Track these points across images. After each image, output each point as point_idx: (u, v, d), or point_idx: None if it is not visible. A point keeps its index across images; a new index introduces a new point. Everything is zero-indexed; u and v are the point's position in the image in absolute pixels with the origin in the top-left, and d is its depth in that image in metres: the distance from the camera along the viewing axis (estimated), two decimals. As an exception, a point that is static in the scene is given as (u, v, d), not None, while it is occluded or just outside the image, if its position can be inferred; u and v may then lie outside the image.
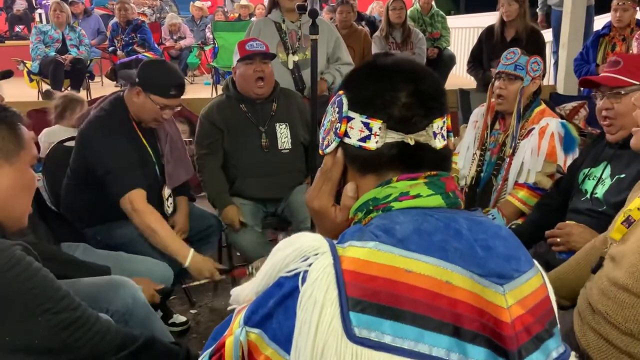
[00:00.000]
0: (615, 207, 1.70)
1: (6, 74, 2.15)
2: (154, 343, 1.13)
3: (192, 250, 2.07)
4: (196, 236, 2.41)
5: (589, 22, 4.76)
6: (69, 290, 1.01)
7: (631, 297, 1.15)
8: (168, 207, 2.29)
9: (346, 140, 0.81)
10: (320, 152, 0.87)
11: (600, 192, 1.78)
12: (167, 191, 2.28)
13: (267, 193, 2.61)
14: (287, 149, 2.61)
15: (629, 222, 1.23)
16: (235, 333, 0.74)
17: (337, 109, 0.83)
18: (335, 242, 0.73)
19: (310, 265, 0.69)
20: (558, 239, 1.75)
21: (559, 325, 0.79)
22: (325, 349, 0.66)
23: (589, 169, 1.87)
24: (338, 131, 0.81)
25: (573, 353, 0.79)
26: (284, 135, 2.60)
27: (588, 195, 1.82)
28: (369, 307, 0.67)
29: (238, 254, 2.70)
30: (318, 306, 0.67)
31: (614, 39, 4.08)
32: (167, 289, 1.88)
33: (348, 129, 0.80)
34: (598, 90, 1.79)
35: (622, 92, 1.72)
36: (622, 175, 1.73)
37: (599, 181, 1.80)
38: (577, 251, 1.68)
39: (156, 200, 2.23)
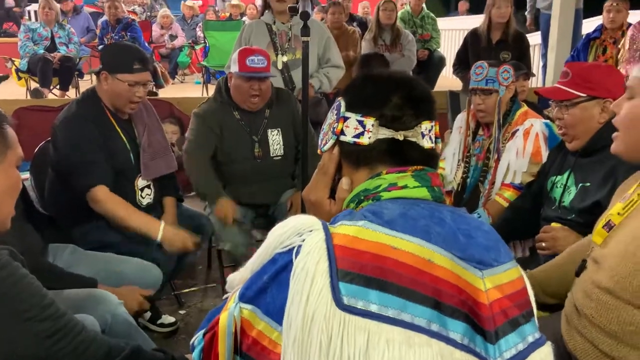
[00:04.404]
0: (582, 214, 1.72)
1: (2, 78, 2.16)
2: (140, 353, 1.11)
3: (162, 223, 2.08)
4: (186, 237, 2.40)
5: (577, 26, 4.81)
6: (54, 298, 1.00)
7: (614, 300, 1.17)
8: (141, 197, 2.23)
9: (342, 137, 0.90)
10: (319, 151, 0.95)
11: (567, 200, 1.81)
12: (141, 182, 2.22)
13: (257, 199, 2.60)
14: (279, 156, 2.60)
15: (609, 226, 1.25)
16: (230, 309, 0.78)
17: (335, 112, 0.92)
18: (328, 223, 0.79)
19: (304, 240, 0.74)
20: (543, 243, 1.76)
21: (536, 318, 0.82)
22: (315, 316, 0.70)
23: (555, 176, 1.90)
24: (335, 130, 0.90)
25: (549, 342, 0.82)
26: (276, 142, 2.59)
27: (557, 203, 1.85)
28: (357, 278, 0.72)
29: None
30: (310, 276, 0.71)
31: (605, 42, 4.12)
32: (155, 296, 1.86)
33: (344, 128, 0.89)
34: (553, 100, 1.83)
35: (568, 105, 1.75)
36: (587, 184, 1.75)
37: (565, 189, 1.83)
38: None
39: (129, 191, 2.18)
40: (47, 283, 1.02)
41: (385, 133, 0.87)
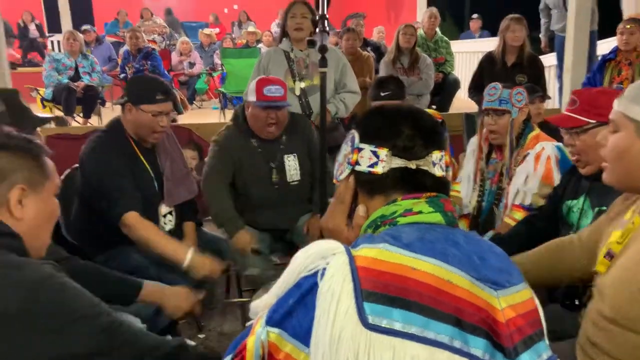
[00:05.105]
0: None
1: (45, 120, 2.28)
2: (187, 348, 1.16)
3: (191, 249, 2.08)
4: (205, 261, 2.42)
5: (592, 47, 4.82)
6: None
7: (618, 328, 1.17)
8: (164, 224, 2.29)
9: (357, 168, 0.94)
10: (335, 180, 0.99)
11: (584, 224, 1.80)
12: (164, 209, 2.29)
13: (275, 224, 2.63)
14: (296, 181, 2.63)
15: (610, 255, 1.25)
16: (257, 333, 0.80)
17: (349, 143, 0.97)
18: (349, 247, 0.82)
19: (328, 263, 0.78)
20: None
21: (546, 339, 0.85)
22: (342, 336, 0.73)
23: (570, 200, 1.89)
24: (350, 160, 0.95)
25: None
26: (292, 168, 2.62)
27: (575, 228, 1.85)
28: (381, 297, 0.75)
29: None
30: (335, 297, 0.75)
31: (620, 64, 4.13)
32: (209, 297, 1.92)
33: (359, 158, 0.94)
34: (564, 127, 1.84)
35: (579, 131, 1.76)
36: (604, 208, 1.75)
37: (581, 213, 1.83)
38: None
39: (152, 217, 2.22)
40: (89, 287, 1.05)
41: (398, 162, 0.91)
